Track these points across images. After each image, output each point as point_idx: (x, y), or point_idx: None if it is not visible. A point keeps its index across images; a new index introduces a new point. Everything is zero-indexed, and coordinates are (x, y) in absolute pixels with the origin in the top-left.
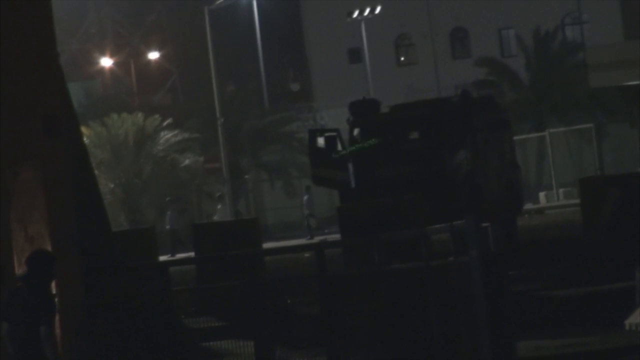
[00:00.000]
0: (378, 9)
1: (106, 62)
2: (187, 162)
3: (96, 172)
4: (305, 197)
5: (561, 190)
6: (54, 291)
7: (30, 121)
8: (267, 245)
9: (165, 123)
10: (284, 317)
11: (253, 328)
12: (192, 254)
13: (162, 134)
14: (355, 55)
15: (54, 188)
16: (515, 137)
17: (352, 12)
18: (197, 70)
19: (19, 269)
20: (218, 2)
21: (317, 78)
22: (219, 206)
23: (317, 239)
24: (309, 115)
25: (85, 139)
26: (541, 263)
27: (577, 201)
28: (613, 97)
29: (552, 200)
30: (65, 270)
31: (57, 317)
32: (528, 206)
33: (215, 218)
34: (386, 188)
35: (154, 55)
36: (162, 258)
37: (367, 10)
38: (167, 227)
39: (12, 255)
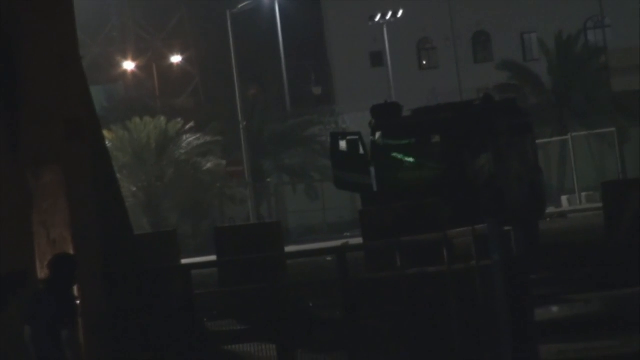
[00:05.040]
0: (400, 13)
1: (128, 65)
2: (209, 165)
3: (118, 175)
4: None
5: (583, 194)
6: (76, 295)
7: (52, 125)
8: (289, 248)
9: (187, 126)
10: (306, 320)
11: (275, 331)
12: (214, 257)
13: (184, 137)
14: (377, 58)
15: (76, 191)
16: (538, 141)
17: (374, 16)
18: (219, 74)
19: (42, 273)
20: (240, 5)
21: (339, 81)
22: None
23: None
24: (330, 119)
25: (107, 142)
26: (563, 267)
27: (600, 205)
28: (635, 100)
29: (574, 204)
30: (87, 274)
31: (79, 321)
32: (550, 210)
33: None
34: (409, 191)
35: (176, 58)
36: (185, 261)
37: (389, 14)
38: None
39: (35, 259)
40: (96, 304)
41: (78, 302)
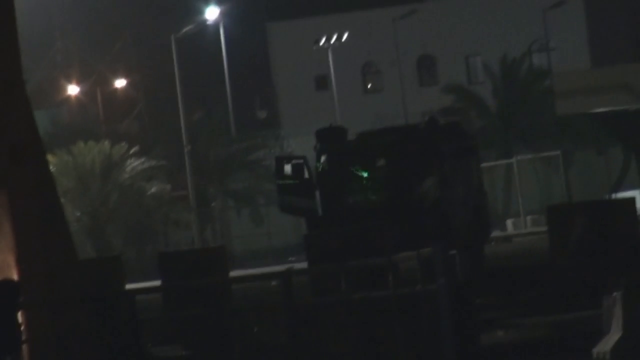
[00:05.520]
0: (345, 37)
1: (73, 90)
2: (153, 190)
3: (62, 200)
4: None
5: (529, 218)
6: (20, 321)
7: None
8: (234, 273)
9: (132, 151)
10: (251, 345)
11: (220, 356)
12: (159, 282)
13: (128, 161)
14: (322, 82)
15: (21, 216)
16: (483, 164)
17: (319, 40)
18: (164, 98)
19: None
20: (185, 29)
21: (284, 105)
22: None
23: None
24: (276, 143)
25: (51, 167)
26: (509, 291)
27: (545, 228)
28: (580, 124)
29: (519, 228)
30: (31, 299)
31: (23, 347)
32: (496, 233)
33: None
34: (354, 216)
35: (120, 82)
36: (129, 286)
37: (334, 38)
38: None
39: None
40: (41, 330)
41: (22, 328)
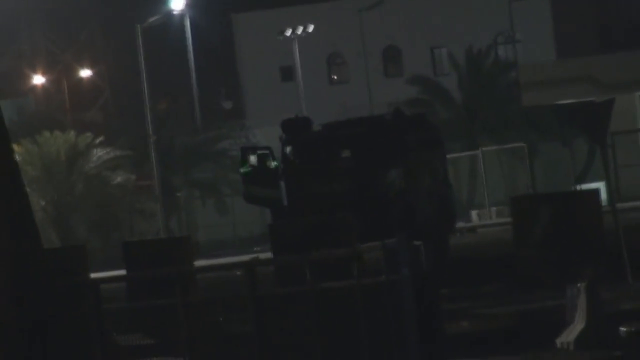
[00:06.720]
0: (310, 28)
1: (38, 79)
2: (118, 179)
3: (27, 189)
4: None
5: (494, 209)
6: None
7: None
8: (199, 263)
9: (97, 141)
10: (216, 335)
11: (185, 346)
12: (123, 271)
13: (94, 151)
14: (287, 73)
15: None
16: (448, 156)
17: (284, 30)
18: (129, 88)
19: None
20: (150, 20)
21: (249, 96)
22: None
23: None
24: (241, 133)
25: (16, 156)
26: (473, 282)
27: (509, 219)
28: (545, 115)
29: (484, 219)
30: None
31: None
32: (460, 224)
33: None
34: (318, 206)
35: (85, 72)
36: (94, 275)
37: (300, 29)
38: None
39: None
40: (5, 318)
41: None
